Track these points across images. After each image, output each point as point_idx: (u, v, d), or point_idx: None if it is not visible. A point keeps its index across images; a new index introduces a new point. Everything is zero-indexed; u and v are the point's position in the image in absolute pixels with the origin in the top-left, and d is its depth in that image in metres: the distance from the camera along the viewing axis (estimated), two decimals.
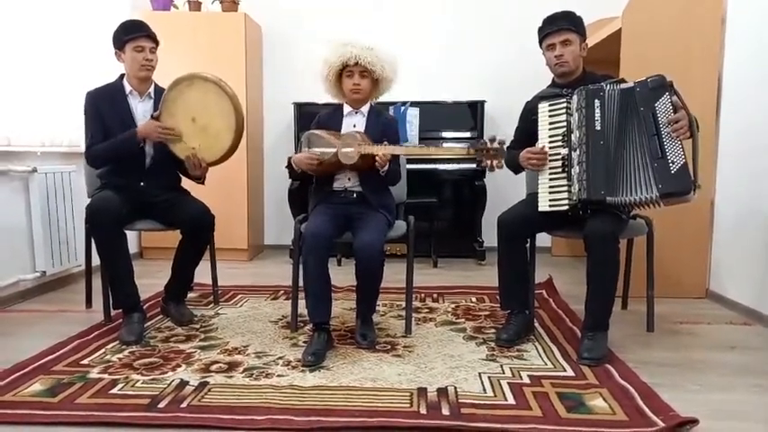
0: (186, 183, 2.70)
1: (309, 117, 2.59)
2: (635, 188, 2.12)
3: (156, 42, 2.54)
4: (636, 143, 2.12)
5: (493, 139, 2.23)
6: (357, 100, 2.44)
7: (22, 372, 2.02)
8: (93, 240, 2.44)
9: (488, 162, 2.22)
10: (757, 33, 2.72)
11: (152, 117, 2.49)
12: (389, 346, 2.31)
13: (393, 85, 2.49)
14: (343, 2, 4.42)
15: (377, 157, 2.26)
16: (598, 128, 2.16)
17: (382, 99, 2.63)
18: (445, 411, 1.73)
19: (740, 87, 2.85)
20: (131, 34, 2.47)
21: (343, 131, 2.43)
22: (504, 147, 2.23)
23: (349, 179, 2.43)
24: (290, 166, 2.48)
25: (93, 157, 2.52)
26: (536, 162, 2.28)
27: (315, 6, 4.43)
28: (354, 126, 2.45)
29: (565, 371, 2.06)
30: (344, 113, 2.49)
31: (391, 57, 2.43)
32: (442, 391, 1.87)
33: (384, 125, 2.47)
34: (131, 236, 2.92)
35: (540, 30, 2.38)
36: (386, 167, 2.30)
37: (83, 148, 2.57)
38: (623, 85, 2.16)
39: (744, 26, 2.83)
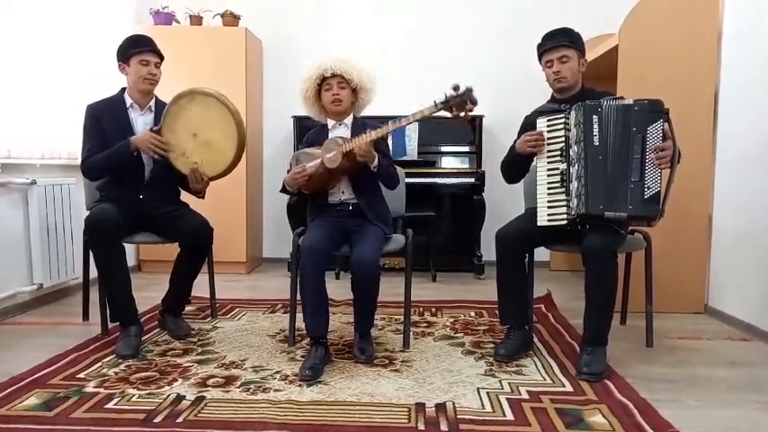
0: (185, 196, 2.70)
1: (308, 131, 2.60)
2: (614, 203, 2.13)
3: (161, 58, 2.58)
4: (622, 159, 2.14)
5: (456, 88, 2.17)
6: (339, 112, 2.43)
7: (17, 385, 2.00)
8: (91, 253, 2.44)
9: (458, 114, 2.18)
10: (754, 48, 2.74)
11: (151, 130, 2.50)
12: (387, 361, 2.30)
13: (373, 96, 2.49)
14: (343, 17, 4.46)
15: (355, 150, 2.24)
16: (596, 143, 2.17)
17: (382, 114, 2.64)
18: (444, 427, 1.72)
19: (737, 102, 2.86)
20: (138, 48, 2.50)
21: None
22: (472, 91, 2.15)
23: (343, 192, 2.43)
24: (284, 190, 2.47)
25: (88, 168, 2.52)
26: (535, 144, 2.29)
27: (315, 21, 4.47)
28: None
29: (564, 386, 2.05)
30: (329, 128, 2.50)
31: (367, 66, 2.44)
32: (441, 407, 1.86)
33: None
34: (129, 249, 2.92)
35: (539, 46, 2.40)
36: (375, 162, 2.30)
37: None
38: (621, 102, 2.18)
39: (740, 41, 2.85)
